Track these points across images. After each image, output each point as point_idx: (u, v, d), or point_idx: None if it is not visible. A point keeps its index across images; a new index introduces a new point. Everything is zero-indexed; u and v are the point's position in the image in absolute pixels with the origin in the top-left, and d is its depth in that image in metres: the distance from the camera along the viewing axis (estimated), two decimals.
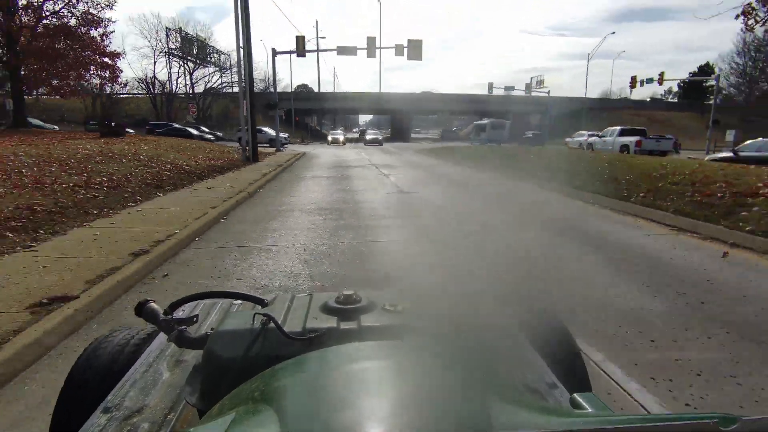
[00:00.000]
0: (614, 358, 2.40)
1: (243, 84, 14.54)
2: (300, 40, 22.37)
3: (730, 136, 27.12)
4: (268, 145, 26.19)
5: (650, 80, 35.48)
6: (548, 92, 48.10)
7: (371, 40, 22.69)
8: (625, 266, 4.04)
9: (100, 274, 3.43)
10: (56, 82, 20.20)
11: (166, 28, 42.35)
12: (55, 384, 1.98)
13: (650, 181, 7.74)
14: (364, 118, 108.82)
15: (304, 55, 23.52)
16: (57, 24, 19.71)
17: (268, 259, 4.18)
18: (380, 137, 39.16)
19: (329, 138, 38.86)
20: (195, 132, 30.04)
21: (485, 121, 36.79)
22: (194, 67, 44.00)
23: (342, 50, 23.29)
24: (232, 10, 13.73)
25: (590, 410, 0.51)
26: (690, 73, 50.14)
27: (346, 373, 0.54)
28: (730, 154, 14.63)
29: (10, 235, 4.31)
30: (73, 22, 20.19)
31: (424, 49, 22.07)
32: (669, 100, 60.72)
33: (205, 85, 45.73)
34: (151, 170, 9.33)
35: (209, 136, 31.18)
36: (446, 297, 0.82)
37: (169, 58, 42.36)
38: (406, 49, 22.29)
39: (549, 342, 1.01)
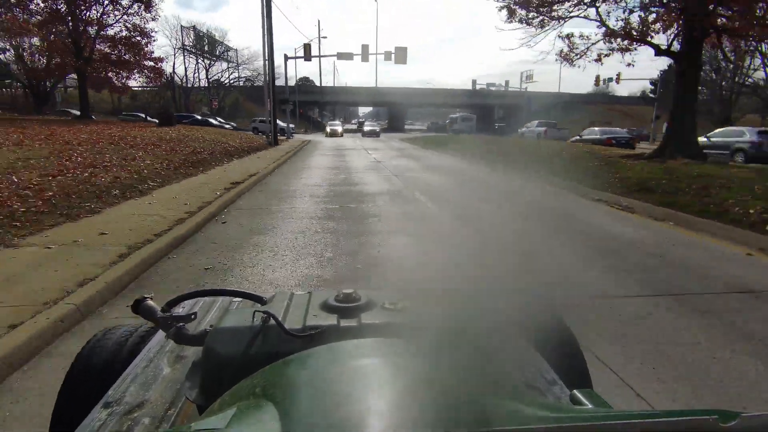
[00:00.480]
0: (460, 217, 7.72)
1: (268, 88, 19.77)
2: (307, 48, 27.46)
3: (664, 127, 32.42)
4: (279, 134, 31.37)
5: (610, 79, 40.52)
6: (526, 88, 53.24)
7: (365, 47, 27.79)
8: (461, 179, 9.37)
9: (226, 187, 8.75)
10: (115, 81, 25.37)
11: (181, 26, 47.28)
12: (213, 228, 7.28)
13: (517, 151, 13.18)
14: (363, 110, 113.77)
15: (310, 60, 28.66)
16: (115, 35, 24.84)
17: (306, 181, 9.50)
18: (378, 129, 39.20)
19: (327, 129, 36.45)
20: (215, 122, 35.22)
21: (458, 114, 42.83)
22: (210, 63, 48.94)
23: (341, 55, 28.49)
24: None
25: (590, 406, 0.52)
26: (661, 71, 54.82)
27: (347, 369, 0.54)
28: (597, 137, 21.17)
29: (174, 175, 9.64)
30: (125, 33, 25.31)
31: (425, 43, 28.17)
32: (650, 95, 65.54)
33: (218, 80, 50.70)
34: (219, 146, 14.62)
35: (228, 125, 36.35)
36: (446, 295, 0.82)
37: (184, 54, 47.32)
38: (393, 55, 27.42)
39: (549, 338, 1.02)
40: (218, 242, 4.65)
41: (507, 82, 59.45)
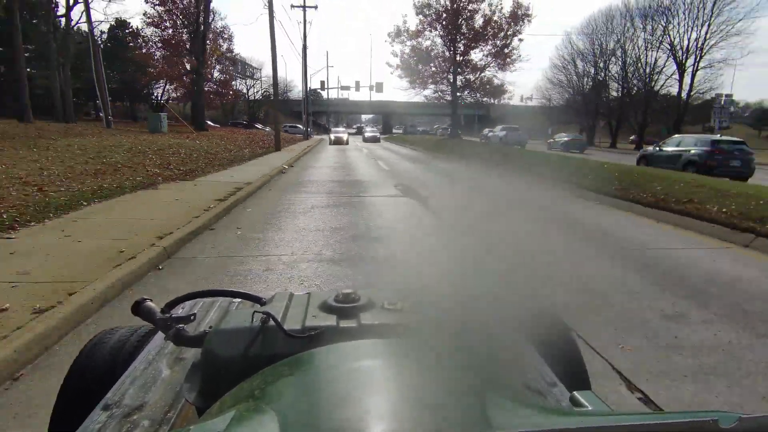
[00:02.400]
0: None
1: (305, 105, 37.55)
2: (322, 83, 45.34)
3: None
4: (300, 135, 48.86)
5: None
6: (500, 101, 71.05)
7: (357, 83, 45.67)
8: (416, 160, 26.95)
9: (303, 150, 26.37)
10: (217, 101, 43.20)
11: (226, 57, 65.35)
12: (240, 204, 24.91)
13: (450, 148, 30.87)
14: (364, 116, 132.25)
15: (325, 90, 46.53)
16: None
17: (327, 146, 27.16)
18: (378, 134, 42.15)
19: (331, 137, 33.49)
20: (259, 126, 53.03)
21: (437, 125, 60.87)
22: (250, 85, 67.06)
23: (343, 87, 46.48)
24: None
25: (590, 408, 0.51)
26: None
27: (346, 370, 0.54)
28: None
29: (210, 165, 27.37)
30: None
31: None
32: None
33: (255, 94, 68.86)
34: (286, 138, 32.34)
35: (267, 128, 54.23)
36: (446, 296, 0.82)
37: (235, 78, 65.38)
38: (374, 87, 45.15)
39: (549, 340, 1.01)
40: (296, 175, 22.23)
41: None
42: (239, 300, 1.23)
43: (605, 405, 0.53)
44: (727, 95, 29.60)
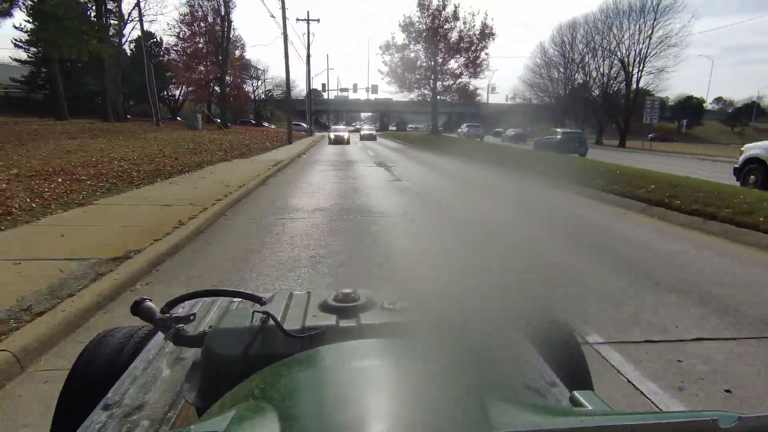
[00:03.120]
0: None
1: (309, 106, 42.87)
2: (323, 86, 50.54)
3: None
4: (304, 132, 54.16)
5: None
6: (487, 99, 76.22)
7: (355, 85, 50.83)
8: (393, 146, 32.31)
9: (308, 145, 31.68)
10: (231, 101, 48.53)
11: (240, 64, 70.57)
12: (275, 178, 30.29)
13: (425, 141, 36.22)
14: (363, 114, 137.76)
15: (326, 92, 51.72)
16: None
17: (327, 149, 32.48)
18: (375, 133, 43.65)
19: (331, 135, 31.90)
20: (266, 124, 58.32)
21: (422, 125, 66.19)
22: (257, 85, 72.29)
23: (342, 90, 51.77)
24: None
25: (590, 408, 0.51)
26: None
27: (346, 370, 0.55)
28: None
29: (249, 151, 32.74)
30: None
31: None
32: None
33: (260, 94, 74.11)
34: (294, 135, 37.68)
35: (272, 126, 59.43)
36: (446, 295, 0.82)
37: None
38: (370, 89, 50.42)
39: (550, 340, 1.01)
40: (309, 158, 27.53)
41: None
42: (239, 300, 1.23)
43: (605, 405, 0.52)
44: (656, 97, 34.97)
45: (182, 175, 9.20)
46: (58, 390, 1.11)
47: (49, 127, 18.36)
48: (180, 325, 0.88)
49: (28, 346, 2.30)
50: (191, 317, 0.94)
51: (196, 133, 22.30)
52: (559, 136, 22.82)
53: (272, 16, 41.16)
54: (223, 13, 34.71)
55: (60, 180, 6.92)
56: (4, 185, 6.16)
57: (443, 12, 29.57)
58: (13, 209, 4.99)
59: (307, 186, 9.00)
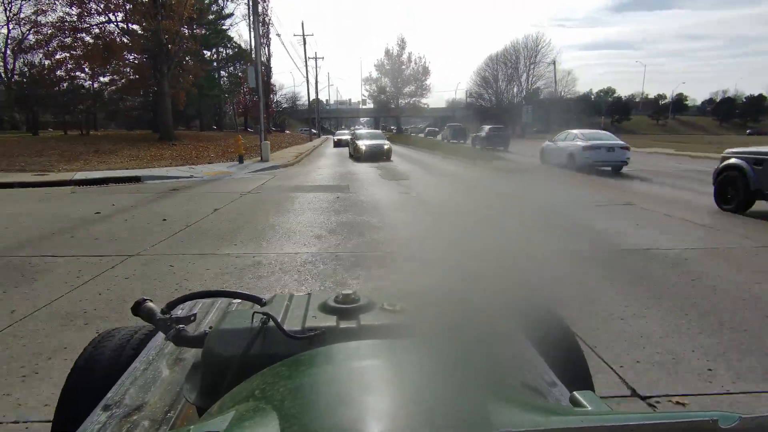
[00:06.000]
0: None
1: (317, 114, 61.01)
2: (328, 99, 68.47)
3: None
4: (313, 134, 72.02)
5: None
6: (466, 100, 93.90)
7: (349, 100, 68.75)
8: None
9: (315, 145, 49.66)
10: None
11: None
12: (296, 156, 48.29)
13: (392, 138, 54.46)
14: (362, 119, 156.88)
15: (326, 103, 69.73)
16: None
17: (331, 147, 50.47)
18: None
19: (335, 139, 36.51)
20: (274, 129, 76.23)
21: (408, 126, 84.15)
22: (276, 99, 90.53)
23: (340, 103, 69.85)
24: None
25: (589, 408, 0.52)
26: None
27: (347, 371, 0.55)
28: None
29: (297, 142, 50.88)
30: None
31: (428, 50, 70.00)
32: None
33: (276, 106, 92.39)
34: (303, 138, 55.69)
35: (287, 131, 77.49)
36: (445, 296, 0.83)
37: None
38: (362, 103, 68.47)
39: (550, 340, 1.03)
40: (319, 151, 45.45)
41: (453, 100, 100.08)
42: (238, 301, 1.24)
43: (605, 405, 0.53)
44: (527, 105, 53.52)
45: (291, 147, 27.32)
46: (297, 162, 17.99)
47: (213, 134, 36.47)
48: (180, 326, 0.89)
49: (297, 162, 20.03)
50: (192, 318, 0.95)
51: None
52: (485, 132, 27.82)
53: (298, 68, 58.84)
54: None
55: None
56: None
57: (401, 57, 47.92)
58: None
59: (331, 148, 26.77)
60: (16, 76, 31.68)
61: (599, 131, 16.40)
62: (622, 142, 14.23)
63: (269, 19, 48.27)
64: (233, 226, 6.12)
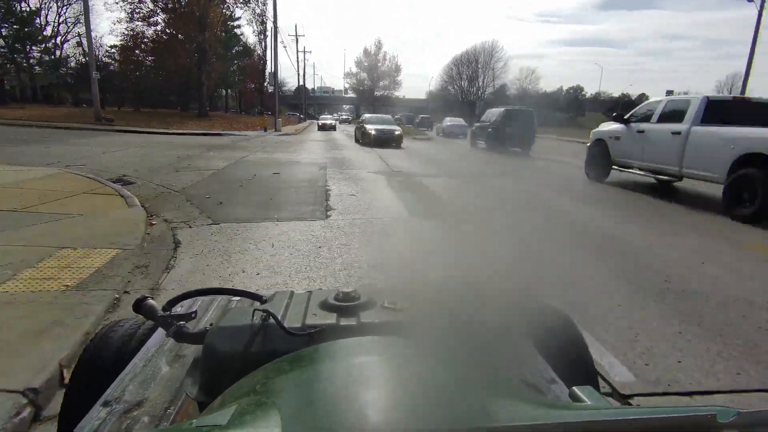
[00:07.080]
0: None
1: (303, 100, 70.45)
2: (313, 87, 77.58)
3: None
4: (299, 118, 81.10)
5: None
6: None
7: (332, 89, 78.14)
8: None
9: (305, 126, 59.34)
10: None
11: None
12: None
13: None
14: (345, 106, 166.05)
15: (314, 92, 78.91)
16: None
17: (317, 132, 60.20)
18: (351, 117, 64.33)
19: (319, 123, 40.05)
20: (268, 113, 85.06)
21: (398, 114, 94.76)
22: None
23: (324, 91, 79.25)
24: None
25: (588, 403, 0.52)
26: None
27: (347, 367, 0.55)
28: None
29: (290, 123, 60.47)
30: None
31: (414, 38, 79.72)
32: None
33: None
34: (294, 120, 65.14)
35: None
36: (446, 294, 0.83)
37: None
38: (344, 92, 77.94)
39: (555, 337, 1.03)
40: (309, 129, 55.21)
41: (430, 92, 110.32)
42: (238, 298, 1.25)
43: (604, 400, 0.52)
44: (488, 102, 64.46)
45: (288, 126, 37.19)
46: (299, 133, 27.84)
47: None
48: (181, 323, 0.89)
49: (299, 133, 30.45)
50: (192, 315, 0.95)
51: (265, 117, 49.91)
52: (446, 123, 31.06)
53: (291, 63, 68.21)
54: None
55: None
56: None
57: (378, 56, 57.96)
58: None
59: (316, 131, 36.60)
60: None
61: (384, 116, 24.21)
62: (395, 127, 20.43)
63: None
64: (288, 147, 16.43)
